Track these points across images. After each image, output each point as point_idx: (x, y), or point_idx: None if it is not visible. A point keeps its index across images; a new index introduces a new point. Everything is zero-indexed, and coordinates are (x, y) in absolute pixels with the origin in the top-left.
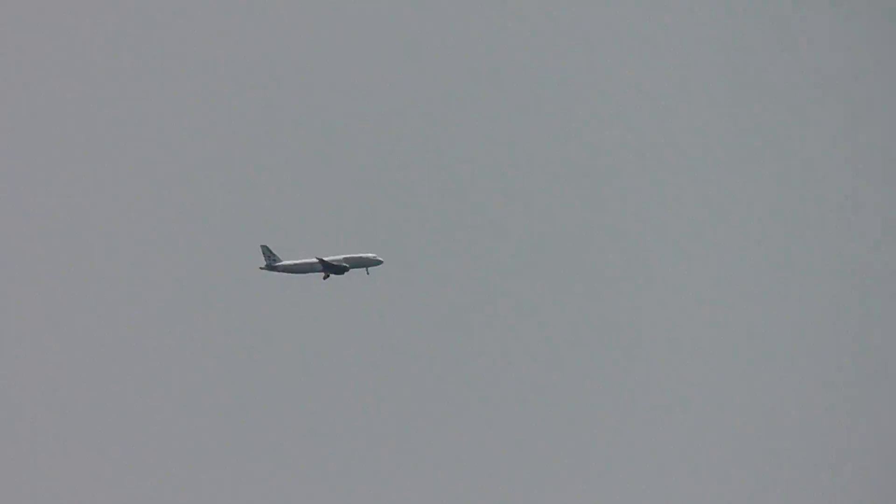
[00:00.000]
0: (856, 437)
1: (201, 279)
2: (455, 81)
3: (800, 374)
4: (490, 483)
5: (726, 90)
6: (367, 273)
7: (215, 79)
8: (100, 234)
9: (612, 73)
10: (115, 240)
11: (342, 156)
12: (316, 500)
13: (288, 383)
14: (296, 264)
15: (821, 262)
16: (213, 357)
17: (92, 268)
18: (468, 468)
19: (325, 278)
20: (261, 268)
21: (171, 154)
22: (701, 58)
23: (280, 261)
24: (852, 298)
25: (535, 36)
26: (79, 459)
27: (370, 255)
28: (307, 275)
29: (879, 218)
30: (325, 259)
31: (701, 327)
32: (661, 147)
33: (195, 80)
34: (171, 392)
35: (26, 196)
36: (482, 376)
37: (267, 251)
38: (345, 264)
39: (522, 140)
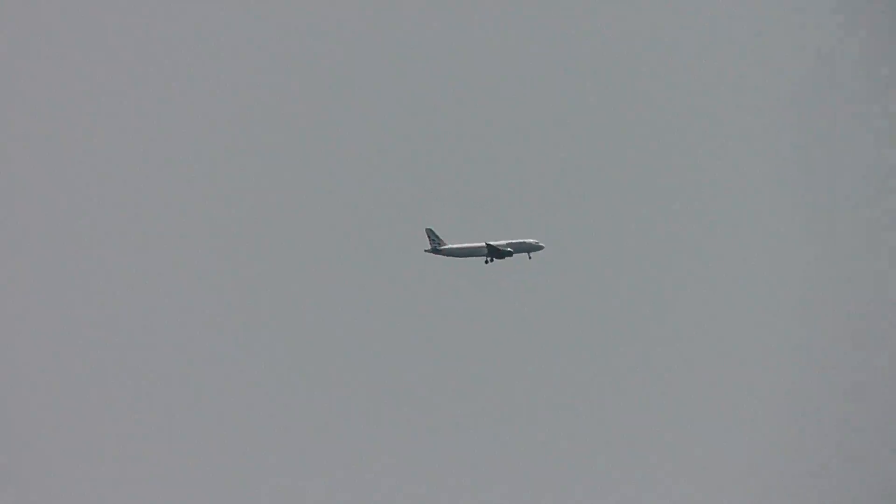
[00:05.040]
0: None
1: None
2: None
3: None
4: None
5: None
6: (529, 258)
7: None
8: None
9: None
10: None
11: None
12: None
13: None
14: (460, 248)
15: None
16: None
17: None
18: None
19: (487, 262)
20: (425, 250)
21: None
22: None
23: (444, 244)
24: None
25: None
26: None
27: (532, 240)
28: (469, 258)
29: None
30: (492, 243)
31: (719, 330)
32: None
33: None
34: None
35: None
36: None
37: (432, 234)
38: (510, 249)
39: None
